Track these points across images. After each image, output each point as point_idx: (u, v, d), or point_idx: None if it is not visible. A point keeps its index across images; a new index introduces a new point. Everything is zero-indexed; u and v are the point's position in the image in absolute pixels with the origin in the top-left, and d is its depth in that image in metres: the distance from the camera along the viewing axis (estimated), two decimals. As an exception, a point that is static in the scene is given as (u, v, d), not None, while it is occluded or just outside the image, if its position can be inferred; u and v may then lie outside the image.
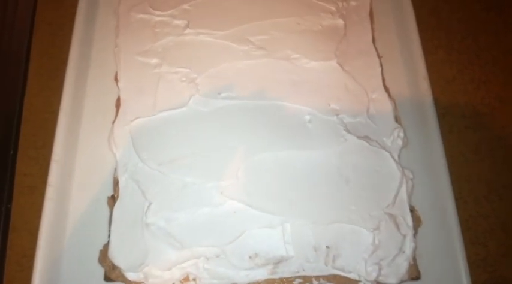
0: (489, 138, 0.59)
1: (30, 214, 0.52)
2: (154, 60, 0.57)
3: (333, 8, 0.63)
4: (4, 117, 0.58)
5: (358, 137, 0.54)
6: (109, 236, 0.49)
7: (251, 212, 0.49)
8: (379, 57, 0.60)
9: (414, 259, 0.50)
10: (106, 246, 0.49)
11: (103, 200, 0.52)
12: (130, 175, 0.51)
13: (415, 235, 0.50)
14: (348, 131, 0.54)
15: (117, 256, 0.47)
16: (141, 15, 0.61)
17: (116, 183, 0.52)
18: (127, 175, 0.51)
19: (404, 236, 0.49)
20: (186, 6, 0.61)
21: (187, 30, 0.59)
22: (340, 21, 0.62)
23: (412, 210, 0.52)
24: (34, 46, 0.62)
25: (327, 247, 0.48)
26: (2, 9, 0.63)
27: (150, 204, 0.49)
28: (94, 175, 0.53)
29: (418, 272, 0.50)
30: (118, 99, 0.56)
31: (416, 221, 0.52)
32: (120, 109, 0.55)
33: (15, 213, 0.53)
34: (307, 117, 0.55)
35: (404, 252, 0.49)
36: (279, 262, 0.48)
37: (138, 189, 0.50)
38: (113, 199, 0.51)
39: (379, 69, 0.59)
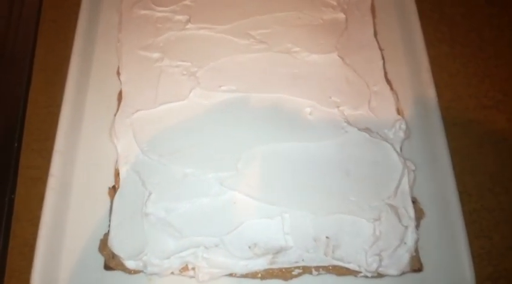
0: (493, 131, 0.59)
1: (33, 205, 0.53)
2: (155, 55, 0.58)
3: (334, 3, 0.63)
4: (9, 111, 0.59)
5: (359, 129, 0.54)
6: (109, 226, 0.49)
7: (251, 203, 0.49)
8: (381, 50, 0.60)
9: (416, 250, 0.49)
10: (106, 235, 0.49)
11: (104, 191, 0.52)
12: (131, 167, 0.51)
13: (417, 226, 0.50)
14: (349, 123, 0.54)
15: (117, 245, 0.47)
16: (143, 11, 0.62)
17: (117, 174, 0.52)
18: (128, 166, 0.51)
19: (406, 227, 0.49)
20: (187, 2, 0.62)
21: (189, 25, 0.60)
22: (341, 15, 0.62)
23: (414, 202, 0.51)
24: (39, 42, 0.63)
25: (327, 237, 0.48)
26: (9, 8, 0.64)
27: (150, 194, 0.49)
28: (96, 166, 0.53)
29: (420, 264, 0.49)
30: (120, 93, 0.57)
31: (419, 213, 0.51)
32: (122, 102, 0.55)
33: (18, 203, 0.54)
34: (308, 110, 0.55)
35: (405, 243, 0.48)
36: (278, 252, 0.48)
37: (139, 180, 0.50)
38: (113, 190, 0.51)
39: (381, 62, 0.59)
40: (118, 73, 0.58)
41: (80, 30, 0.60)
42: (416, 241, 0.49)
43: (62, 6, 0.66)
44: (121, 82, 0.57)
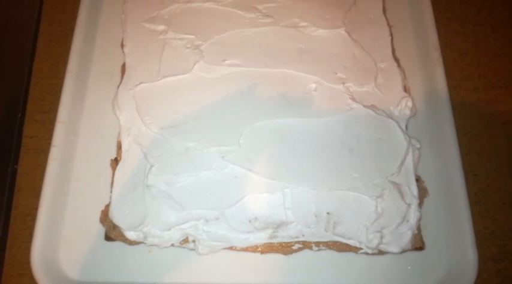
0: (502, 112, 0.57)
1: (35, 176, 0.53)
2: (160, 27, 0.57)
3: (344, -23, 0.62)
4: (13, 83, 0.58)
5: (365, 106, 0.53)
6: (111, 197, 0.49)
7: (252, 177, 0.49)
8: (390, 26, 0.59)
9: (418, 229, 0.49)
10: (107, 206, 0.49)
11: (106, 162, 0.52)
12: (133, 139, 0.51)
13: (420, 205, 0.49)
14: (354, 100, 0.53)
15: (118, 216, 0.47)
16: (149, -17, 0.61)
17: (119, 146, 0.52)
18: (130, 138, 0.51)
19: (409, 205, 0.48)
20: (194, -25, 0.61)
21: (194, -3, 0.59)
22: (351, -10, 0.61)
23: (418, 180, 0.51)
24: (44, 13, 0.63)
25: (328, 213, 0.48)
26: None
27: (152, 166, 0.49)
28: (98, 138, 0.53)
29: (422, 242, 0.49)
30: (124, 65, 0.56)
31: (422, 192, 0.51)
32: (125, 74, 0.55)
33: (20, 173, 0.54)
34: (313, 86, 0.54)
35: (408, 221, 0.48)
36: (278, 226, 0.47)
37: (141, 152, 0.50)
38: (115, 162, 0.51)
39: (389, 39, 0.58)
40: (122, 45, 0.57)
41: (85, 1, 0.59)
42: (419, 219, 0.48)
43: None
44: (125, 55, 0.56)
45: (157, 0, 0.59)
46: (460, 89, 0.59)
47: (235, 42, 0.56)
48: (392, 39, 0.58)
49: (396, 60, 0.57)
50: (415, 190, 0.49)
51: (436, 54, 0.56)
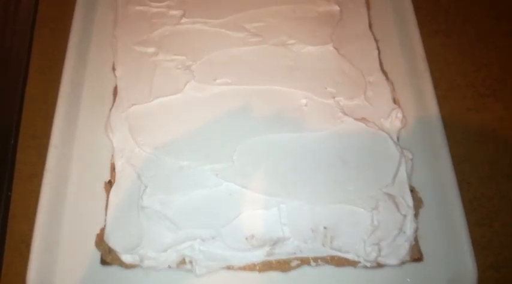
0: (491, 119, 0.58)
1: (29, 202, 0.52)
2: (150, 49, 0.58)
3: (329, -5, 0.63)
4: (6, 109, 0.59)
5: (356, 119, 0.53)
6: (105, 221, 0.49)
7: (247, 194, 0.49)
8: (376, 41, 0.60)
9: (416, 240, 0.49)
10: (103, 230, 0.49)
11: (100, 185, 0.52)
12: (126, 160, 0.51)
13: (416, 215, 0.49)
14: (345, 113, 0.54)
15: (113, 239, 0.47)
16: (139, 7, 0.62)
17: (112, 168, 0.52)
18: (123, 160, 0.51)
19: (405, 216, 0.48)
20: (182, -3, 0.62)
21: (183, 20, 0.60)
22: (336, 8, 0.62)
23: (413, 191, 0.51)
24: (35, 40, 0.63)
25: (325, 227, 0.48)
26: (5, 6, 0.64)
27: (146, 187, 0.49)
28: (92, 161, 0.53)
29: (420, 253, 0.49)
30: (115, 88, 0.56)
31: (417, 202, 0.51)
32: (117, 97, 0.55)
33: (14, 200, 0.53)
34: (304, 101, 0.54)
35: (404, 232, 0.48)
36: (275, 243, 0.47)
37: (135, 173, 0.50)
38: (109, 184, 0.51)
39: (376, 53, 0.59)
40: (113, 68, 0.58)
41: (75, 27, 0.60)
42: (416, 230, 0.48)
43: (58, 4, 0.66)
44: (116, 78, 0.57)
45: (147, 23, 0.60)
46: (448, 99, 0.60)
47: (225, 62, 0.57)
48: (379, 53, 0.59)
49: (384, 73, 0.58)
50: (410, 200, 0.49)
51: (423, 66, 0.57)
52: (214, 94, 0.54)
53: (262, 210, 0.48)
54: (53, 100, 0.56)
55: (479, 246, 0.51)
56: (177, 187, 0.49)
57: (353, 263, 0.48)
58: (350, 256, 0.47)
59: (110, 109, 0.55)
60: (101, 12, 0.63)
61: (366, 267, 0.48)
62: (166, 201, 0.48)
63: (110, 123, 0.53)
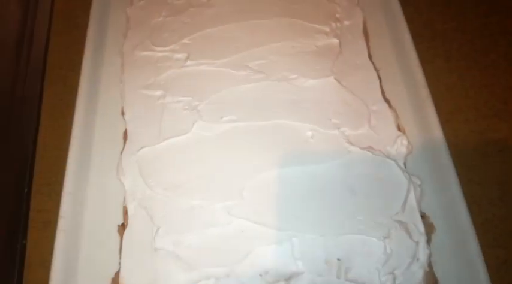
0: (497, 140, 0.59)
1: (44, 249, 0.53)
2: (157, 92, 0.60)
3: (327, 29, 0.65)
4: (19, 158, 0.60)
5: (362, 148, 0.54)
6: (119, 264, 0.49)
7: (259, 230, 0.49)
8: (377, 70, 0.62)
9: (430, 266, 0.48)
10: (117, 274, 0.49)
11: (113, 229, 0.53)
12: (138, 203, 0.52)
13: (428, 241, 0.49)
14: (351, 143, 0.54)
15: (127, 282, 0.47)
16: (145, 53, 0.64)
17: (125, 211, 0.53)
18: (136, 202, 0.52)
19: (417, 243, 0.48)
20: (186, 41, 0.64)
21: (188, 62, 0.62)
22: (335, 41, 0.64)
23: (424, 216, 0.51)
24: (46, 88, 0.66)
25: (338, 259, 0.48)
26: (16, 56, 0.67)
27: (158, 228, 0.49)
28: (104, 205, 0.54)
29: (436, 279, 0.48)
30: (125, 131, 0.58)
31: (429, 228, 0.51)
32: (127, 140, 0.56)
33: (29, 248, 0.54)
34: (309, 133, 0.55)
35: (418, 259, 0.48)
36: (290, 278, 0.47)
37: (147, 216, 0.51)
38: (122, 228, 0.52)
39: (377, 82, 0.60)
40: (122, 113, 0.60)
41: (84, 74, 0.62)
42: (429, 256, 0.48)
43: (67, 52, 0.68)
44: (125, 122, 0.58)
45: (153, 67, 0.62)
46: (452, 122, 0.60)
47: (230, 100, 0.58)
48: (380, 82, 0.60)
49: (387, 101, 0.59)
50: (421, 227, 0.49)
51: (424, 92, 0.58)
52: (222, 132, 0.56)
53: (274, 245, 0.48)
54: (64, 146, 0.57)
55: (495, 268, 0.51)
56: (189, 226, 0.49)
57: (369, 294, 0.47)
58: (365, 287, 0.47)
59: (121, 153, 0.56)
60: (108, 58, 0.66)
61: (382, 297, 0.47)
62: (179, 241, 0.49)
63: (121, 166, 0.54)
